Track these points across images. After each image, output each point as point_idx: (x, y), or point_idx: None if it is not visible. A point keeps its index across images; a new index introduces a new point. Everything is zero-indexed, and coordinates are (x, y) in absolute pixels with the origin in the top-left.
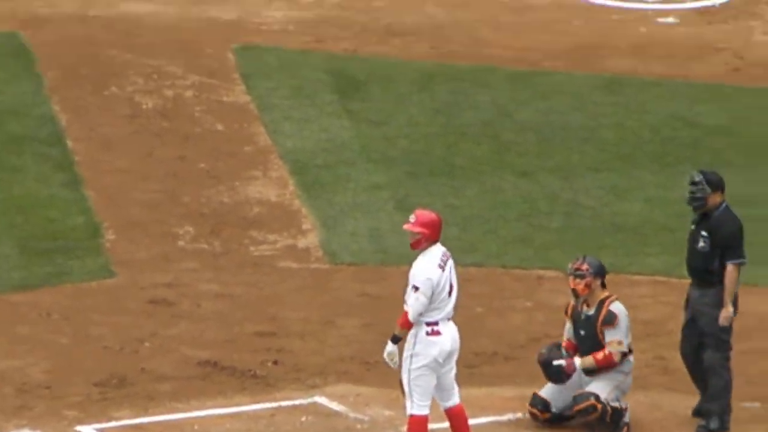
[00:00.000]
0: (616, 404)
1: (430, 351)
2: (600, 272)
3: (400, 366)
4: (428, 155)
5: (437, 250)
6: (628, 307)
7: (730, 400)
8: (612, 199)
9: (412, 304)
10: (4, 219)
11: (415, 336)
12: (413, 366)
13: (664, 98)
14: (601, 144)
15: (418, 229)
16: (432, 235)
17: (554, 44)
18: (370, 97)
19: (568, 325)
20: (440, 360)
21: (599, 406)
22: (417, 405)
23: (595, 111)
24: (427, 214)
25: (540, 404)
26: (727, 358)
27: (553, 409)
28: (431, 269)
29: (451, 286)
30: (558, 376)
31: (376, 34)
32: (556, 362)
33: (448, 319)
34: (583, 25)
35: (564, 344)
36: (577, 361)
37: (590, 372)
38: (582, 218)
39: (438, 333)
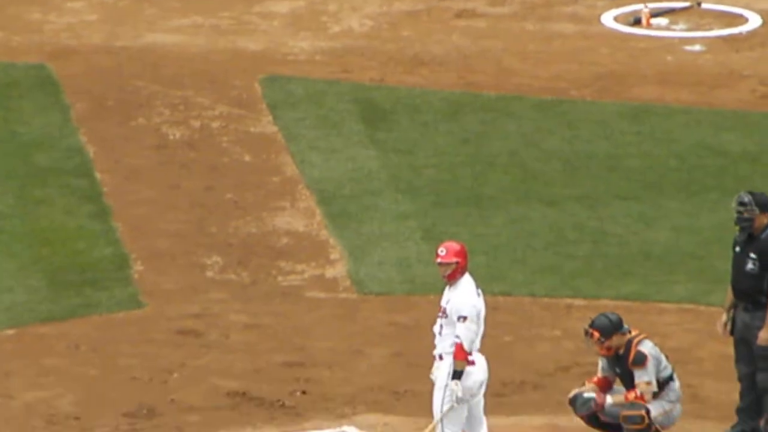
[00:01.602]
0: (659, 429)
1: (466, 382)
2: (612, 330)
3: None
4: (455, 184)
5: (471, 280)
6: (655, 334)
7: None
8: (639, 228)
9: (464, 334)
10: (31, 251)
11: (450, 367)
12: (445, 397)
13: (690, 126)
14: (627, 172)
15: (453, 259)
16: (465, 263)
17: (580, 73)
18: (397, 127)
19: (601, 363)
20: (474, 390)
21: (647, 420)
22: None
23: (622, 139)
24: (455, 245)
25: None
26: None
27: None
28: (474, 298)
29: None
30: (587, 408)
31: (402, 64)
32: (587, 395)
33: (478, 350)
34: (610, 53)
35: (595, 381)
36: (609, 399)
37: None
38: (609, 246)
39: (473, 363)
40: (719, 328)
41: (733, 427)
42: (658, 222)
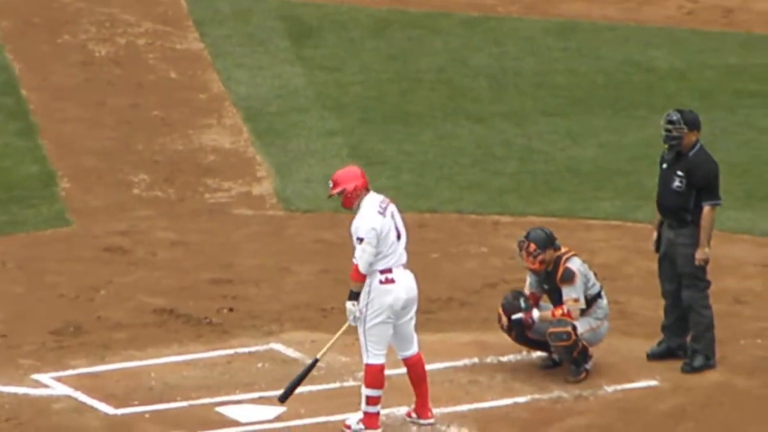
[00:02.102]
0: (587, 345)
1: (385, 299)
2: (548, 244)
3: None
4: (382, 101)
5: (373, 199)
6: (582, 251)
7: (714, 338)
8: (566, 144)
9: (360, 255)
10: None
11: (370, 285)
12: (368, 315)
13: (617, 43)
14: (554, 89)
15: (338, 189)
16: (358, 186)
17: None
18: (324, 44)
19: (530, 279)
20: (396, 308)
21: (574, 336)
22: (372, 354)
23: (549, 56)
24: (342, 171)
25: (509, 307)
26: (706, 296)
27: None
28: (372, 218)
29: (398, 231)
30: (518, 322)
31: None
32: (514, 316)
33: (403, 267)
34: None
35: (528, 294)
36: (536, 313)
37: None
38: (536, 163)
39: (392, 281)
40: (652, 247)
41: (659, 344)
42: (586, 139)
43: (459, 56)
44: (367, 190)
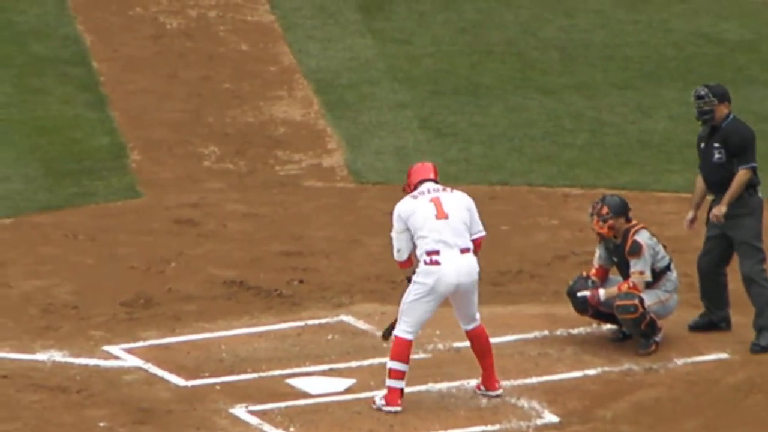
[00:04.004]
0: (654, 317)
1: (427, 280)
2: (621, 211)
3: None
4: (452, 74)
5: (422, 187)
6: (652, 224)
7: None
8: (636, 117)
9: (393, 241)
10: (28, 141)
11: (418, 265)
12: (411, 291)
13: (687, 15)
14: (624, 62)
15: (407, 182)
16: (418, 178)
17: None
18: (395, 16)
19: (599, 252)
20: (441, 291)
21: (641, 309)
22: (403, 329)
23: (619, 28)
24: (418, 165)
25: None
26: (764, 269)
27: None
28: (400, 204)
29: (442, 212)
30: (583, 306)
31: None
32: (580, 294)
33: (460, 251)
34: None
35: (593, 273)
36: (602, 292)
37: None
38: (606, 136)
39: (436, 263)
40: (686, 225)
41: (701, 316)
42: (656, 111)
43: (529, 28)
44: (427, 182)
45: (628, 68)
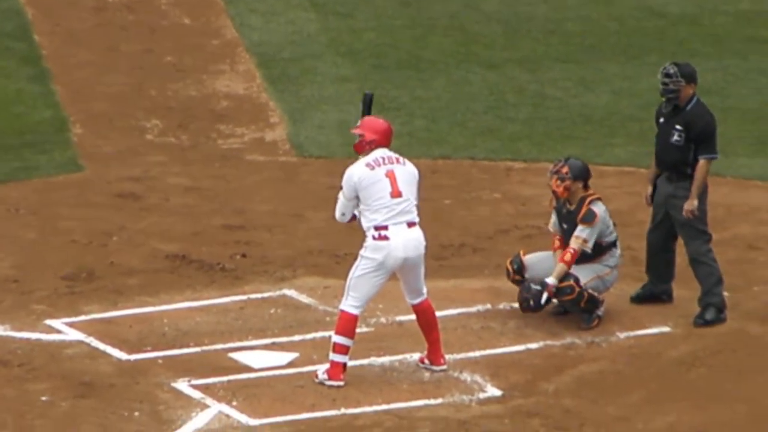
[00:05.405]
0: (593, 293)
1: (376, 255)
2: (581, 175)
3: None
4: (395, 48)
5: (376, 153)
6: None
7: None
8: (579, 91)
9: (337, 202)
10: None
11: (366, 239)
12: (358, 266)
13: None
14: (566, 36)
15: (358, 131)
16: (376, 140)
17: None
18: None
19: (554, 218)
20: (389, 266)
21: (577, 288)
22: (349, 304)
23: (561, 2)
24: (373, 120)
25: (517, 264)
26: (710, 249)
27: (527, 275)
28: (355, 168)
29: (394, 189)
30: (548, 301)
31: None
32: (543, 302)
33: (407, 225)
34: None
35: (556, 243)
36: (551, 281)
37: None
38: (549, 110)
39: (385, 238)
40: (645, 201)
41: (642, 287)
42: (598, 85)
43: (472, 2)
44: (382, 148)
45: (570, 42)
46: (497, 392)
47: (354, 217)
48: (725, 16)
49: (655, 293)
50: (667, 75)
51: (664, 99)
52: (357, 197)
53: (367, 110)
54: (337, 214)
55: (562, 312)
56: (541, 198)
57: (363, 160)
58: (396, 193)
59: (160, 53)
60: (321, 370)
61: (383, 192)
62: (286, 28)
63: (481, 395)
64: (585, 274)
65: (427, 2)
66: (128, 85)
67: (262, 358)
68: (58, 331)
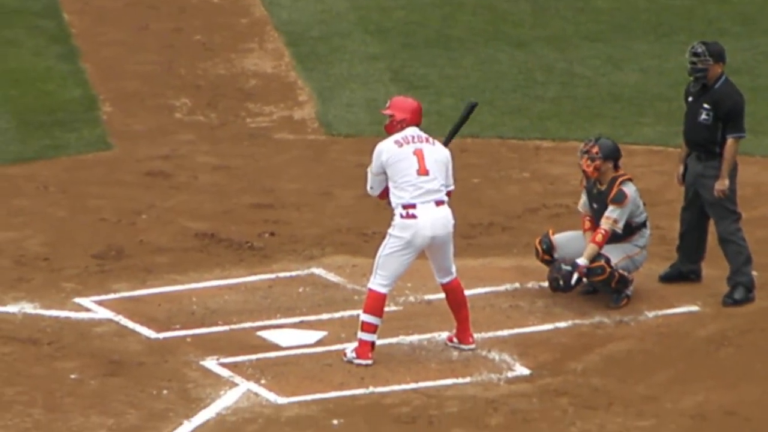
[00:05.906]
0: (624, 273)
1: (404, 234)
2: (611, 155)
3: None
4: (424, 26)
5: (406, 132)
6: None
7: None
8: (608, 69)
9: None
10: (0, 93)
11: (394, 218)
12: (387, 245)
13: None
14: (596, 14)
15: (388, 112)
16: (407, 119)
17: None
18: None
19: (584, 198)
20: (417, 244)
21: (608, 269)
22: (377, 282)
23: None
24: (402, 99)
25: (546, 243)
26: (740, 228)
27: (556, 255)
28: (384, 145)
29: (421, 167)
30: (578, 281)
31: None
32: (573, 282)
33: (435, 203)
34: None
35: (586, 225)
36: (582, 261)
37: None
38: (578, 88)
39: (413, 216)
40: (677, 181)
41: (671, 267)
42: (627, 64)
43: None
44: (413, 127)
45: (599, 20)
46: (525, 371)
47: (385, 194)
48: None
49: (683, 272)
50: (695, 54)
51: (692, 78)
52: (384, 173)
53: (465, 117)
54: (368, 189)
55: (591, 291)
56: (569, 177)
57: (392, 137)
58: (423, 171)
59: (190, 32)
60: (349, 348)
61: (410, 170)
62: (315, 7)
63: (510, 374)
64: (615, 255)
65: None
66: (157, 63)
67: (290, 337)
68: (88, 310)
